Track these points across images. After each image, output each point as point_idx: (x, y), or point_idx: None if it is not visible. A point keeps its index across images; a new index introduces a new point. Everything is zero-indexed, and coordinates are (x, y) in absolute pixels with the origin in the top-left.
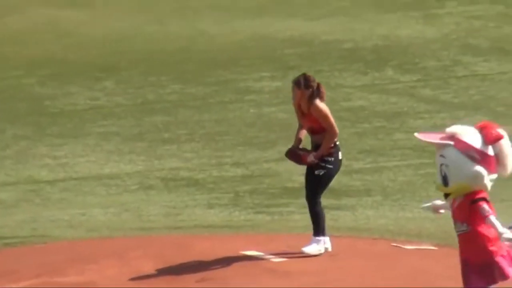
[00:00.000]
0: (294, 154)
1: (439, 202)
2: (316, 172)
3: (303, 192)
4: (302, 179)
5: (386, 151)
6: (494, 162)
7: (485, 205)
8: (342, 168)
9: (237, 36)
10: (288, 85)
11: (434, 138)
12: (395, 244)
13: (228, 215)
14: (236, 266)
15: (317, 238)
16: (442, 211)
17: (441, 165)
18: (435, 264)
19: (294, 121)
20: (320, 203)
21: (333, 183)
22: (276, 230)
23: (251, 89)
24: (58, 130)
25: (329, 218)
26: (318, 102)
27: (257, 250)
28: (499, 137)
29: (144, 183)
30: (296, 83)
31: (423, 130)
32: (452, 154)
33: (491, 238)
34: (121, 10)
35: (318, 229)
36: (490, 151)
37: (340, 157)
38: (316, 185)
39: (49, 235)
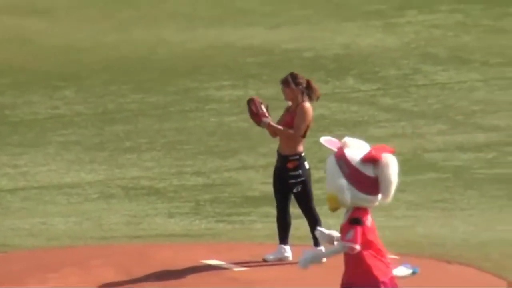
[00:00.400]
0: (256, 105)
1: (335, 233)
2: (294, 191)
3: (265, 201)
4: (263, 188)
5: None
6: (368, 183)
7: (351, 232)
8: None
9: (197, 45)
10: (249, 94)
11: (332, 144)
12: None
13: (189, 224)
14: (197, 275)
15: (318, 248)
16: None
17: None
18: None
19: (255, 131)
20: (315, 210)
21: None
22: (237, 239)
23: (212, 98)
24: (19, 139)
25: (291, 227)
26: (307, 103)
27: (218, 259)
28: (373, 158)
29: (105, 192)
30: (284, 82)
31: (383, 139)
32: (329, 161)
33: (374, 263)
34: (81, 19)
35: (317, 240)
36: (367, 170)
37: (307, 167)
38: (302, 200)
39: (9, 244)
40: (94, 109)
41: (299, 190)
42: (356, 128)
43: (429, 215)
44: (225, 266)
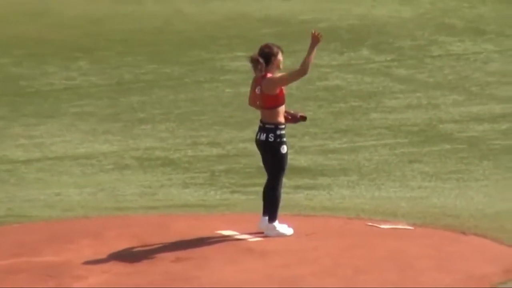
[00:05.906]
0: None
1: None
2: None
3: None
4: None
5: (362, 131)
6: None
7: None
8: (317, 148)
9: (213, 16)
10: None
11: None
12: (370, 224)
13: (203, 195)
14: (212, 245)
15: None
16: None
17: None
18: (411, 243)
19: None
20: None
21: (309, 162)
22: (252, 210)
23: (227, 69)
24: (34, 110)
25: (304, 197)
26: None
27: (233, 230)
28: None
29: (119, 163)
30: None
31: (397, 110)
32: None
33: None
34: None
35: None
36: None
37: (256, 137)
38: None
39: (25, 215)
40: (109, 80)
41: None
42: (371, 99)
43: (444, 186)
44: (240, 236)
